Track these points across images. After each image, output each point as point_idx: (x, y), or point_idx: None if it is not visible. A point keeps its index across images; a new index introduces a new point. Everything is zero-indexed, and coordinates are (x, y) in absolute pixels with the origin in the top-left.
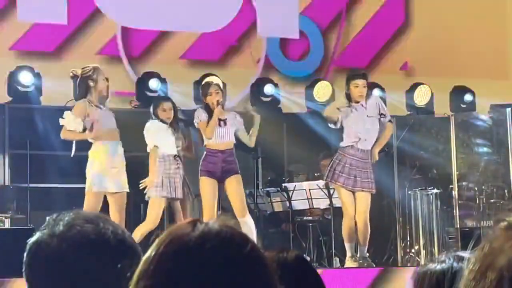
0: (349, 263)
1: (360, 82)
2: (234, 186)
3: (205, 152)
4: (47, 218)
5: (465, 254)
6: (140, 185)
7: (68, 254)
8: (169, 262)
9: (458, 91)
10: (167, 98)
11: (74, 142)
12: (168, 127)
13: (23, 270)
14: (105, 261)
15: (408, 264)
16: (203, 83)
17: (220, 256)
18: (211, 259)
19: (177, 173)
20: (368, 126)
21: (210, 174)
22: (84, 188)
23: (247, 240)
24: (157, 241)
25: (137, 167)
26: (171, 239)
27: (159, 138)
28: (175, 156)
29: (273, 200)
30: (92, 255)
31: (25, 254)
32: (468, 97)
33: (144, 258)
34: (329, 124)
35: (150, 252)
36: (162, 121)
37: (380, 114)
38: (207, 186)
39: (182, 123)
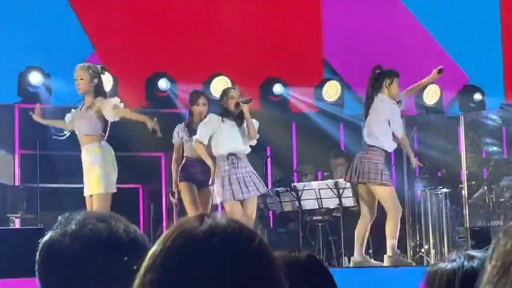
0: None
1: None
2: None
3: (184, 161)
4: (59, 217)
5: (476, 253)
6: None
7: (81, 253)
8: (176, 256)
9: (468, 90)
10: (232, 87)
11: None
12: (229, 120)
13: (36, 269)
14: (117, 260)
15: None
16: (191, 91)
17: (227, 250)
18: (218, 253)
19: (233, 173)
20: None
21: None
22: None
23: (254, 235)
24: (164, 235)
25: (147, 168)
26: (178, 233)
27: (208, 134)
28: (228, 155)
29: (282, 200)
30: (104, 253)
31: (37, 253)
32: (477, 96)
33: (151, 252)
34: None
35: (157, 246)
36: (228, 111)
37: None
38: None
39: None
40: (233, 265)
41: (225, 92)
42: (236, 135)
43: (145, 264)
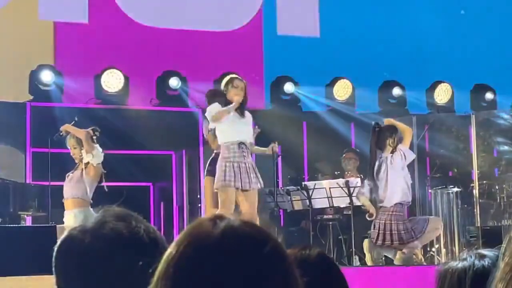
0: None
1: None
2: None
3: (213, 155)
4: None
5: (487, 252)
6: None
7: (102, 250)
8: (188, 264)
9: (479, 90)
10: (237, 77)
11: None
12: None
13: (54, 265)
14: (138, 259)
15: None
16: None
17: (240, 257)
18: (231, 259)
19: (242, 162)
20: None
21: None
22: (103, 186)
23: (268, 238)
24: (177, 239)
25: (157, 166)
26: (190, 239)
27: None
28: (239, 144)
29: (293, 199)
30: (125, 253)
31: (55, 249)
32: (489, 95)
33: (164, 256)
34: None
35: (170, 251)
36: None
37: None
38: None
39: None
40: (246, 272)
41: (230, 81)
42: (241, 124)
43: (158, 270)
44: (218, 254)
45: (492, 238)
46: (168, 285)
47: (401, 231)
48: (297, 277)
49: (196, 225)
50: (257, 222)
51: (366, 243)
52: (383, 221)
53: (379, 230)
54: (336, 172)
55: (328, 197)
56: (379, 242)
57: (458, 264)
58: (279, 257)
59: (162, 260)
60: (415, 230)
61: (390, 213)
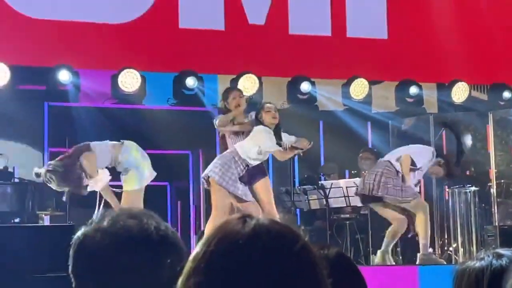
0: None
1: None
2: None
3: None
4: (96, 212)
5: (505, 251)
6: None
7: (111, 249)
8: (220, 260)
9: (497, 88)
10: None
11: None
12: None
13: (70, 264)
14: (146, 257)
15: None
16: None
17: (270, 254)
18: (262, 257)
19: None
20: None
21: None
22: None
23: (297, 237)
24: (207, 237)
25: (174, 165)
26: (221, 236)
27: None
28: (248, 165)
29: (310, 198)
30: (133, 250)
31: (71, 248)
32: (506, 94)
33: (193, 254)
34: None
35: (200, 248)
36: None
37: None
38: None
39: None
40: (277, 268)
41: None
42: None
43: (187, 267)
44: (249, 251)
45: (510, 237)
46: (199, 281)
47: (388, 185)
48: (325, 275)
49: (225, 223)
50: None
51: (379, 255)
52: (373, 174)
53: (369, 181)
54: (353, 171)
55: (345, 196)
56: (366, 192)
57: (475, 264)
58: (309, 255)
59: (192, 257)
60: (406, 191)
61: (381, 170)
